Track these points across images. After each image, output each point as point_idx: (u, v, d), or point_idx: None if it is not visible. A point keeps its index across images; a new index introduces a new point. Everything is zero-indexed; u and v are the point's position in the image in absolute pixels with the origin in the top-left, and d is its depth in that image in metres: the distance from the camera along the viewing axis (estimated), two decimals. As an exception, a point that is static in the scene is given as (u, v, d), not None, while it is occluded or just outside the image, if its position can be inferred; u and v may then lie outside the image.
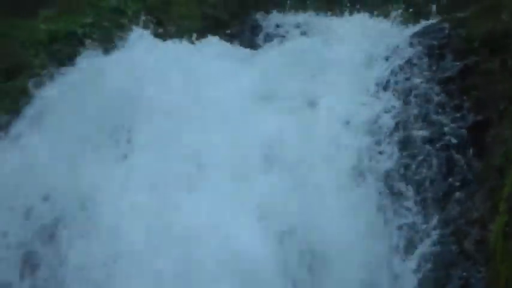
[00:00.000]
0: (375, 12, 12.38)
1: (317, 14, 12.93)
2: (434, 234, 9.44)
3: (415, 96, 10.45)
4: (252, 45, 12.21)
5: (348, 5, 12.93)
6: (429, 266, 9.39)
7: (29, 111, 11.37)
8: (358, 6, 12.87)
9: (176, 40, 12.19)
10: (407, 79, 10.66)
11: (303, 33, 12.46)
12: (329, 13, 12.90)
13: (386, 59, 11.09)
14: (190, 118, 11.03)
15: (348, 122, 10.66)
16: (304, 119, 10.84)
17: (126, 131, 11.07)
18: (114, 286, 9.95)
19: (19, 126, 11.31)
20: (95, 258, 10.08)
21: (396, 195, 9.96)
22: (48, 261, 10.11)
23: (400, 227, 9.71)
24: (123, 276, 9.96)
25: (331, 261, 9.83)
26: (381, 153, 10.31)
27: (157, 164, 10.65)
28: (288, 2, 13.01)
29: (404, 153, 10.15)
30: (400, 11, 12.27)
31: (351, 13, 12.74)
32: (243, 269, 9.80)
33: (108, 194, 10.55)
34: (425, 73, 10.59)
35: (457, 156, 9.83)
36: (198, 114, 11.04)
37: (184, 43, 12.27)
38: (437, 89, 10.39)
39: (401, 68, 10.88)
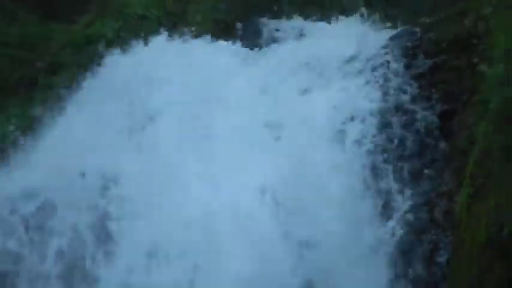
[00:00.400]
0: (360, 18, 12.42)
1: (310, 20, 12.97)
2: (408, 205, 9.44)
3: (393, 88, 10.41)
4: (255, 46, 12.21)
5: (337, 12, 12.76)
6: (403, 231, 9.36)
7: (71, 100, 11.52)
8: (345, 13, 12.74)
9: (192, 41, 12.19)
10: (385, 74, 10.63)
11: (298, 36, 12.35)
12: (320, 19, 12.98)
13: (368, 57, 11.07)
14: (205, 102, 11.08)
15: (335, 107, 10.62)
16: (298, 105, 10.87)
17: (157, 112, 11.12)
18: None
19: (64, 112, 11.43)
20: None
21: (376, 170, 9.91)
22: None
23: (379, 196, 9.68)
24: (150, 240, 9.82)
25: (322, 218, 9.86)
26: (364, 136, 10.24)
27: (176, 138, 10.73)
28: (285, 10, 13.00)
29: (384, 136, 10.12)
30: (380, 17, 12.38)
31: (338, 19, 12.70)
32: (251, 229, 9.87)
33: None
34: (401, 70, 10.58)
35: (428, 139, 9.88)
36: (210, 99, 11.13)
37: (199, 43, 12.23)
38: (411, 83, 10.42)
39: (381, 64, 10.83)
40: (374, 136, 10.21)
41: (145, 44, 12.20)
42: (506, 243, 7.78)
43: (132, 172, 10.43)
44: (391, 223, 9.46)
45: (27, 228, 10.09)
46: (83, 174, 10.34)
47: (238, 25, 12.94)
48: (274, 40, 12.37)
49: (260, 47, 12.23)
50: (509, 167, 8.36)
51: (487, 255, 8.13)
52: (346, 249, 9.79)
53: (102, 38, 12.39)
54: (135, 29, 12.39)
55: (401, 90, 10.32)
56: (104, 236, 10.09)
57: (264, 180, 10.13)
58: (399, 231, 9.40)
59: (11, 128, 11.40)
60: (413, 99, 10.31)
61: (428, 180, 9.61)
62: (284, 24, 12.76)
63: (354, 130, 10.50)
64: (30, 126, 11.33)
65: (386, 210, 9.69)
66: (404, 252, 9.30)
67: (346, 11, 12.98)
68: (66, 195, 10.30)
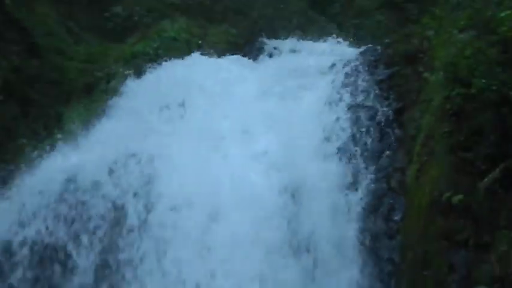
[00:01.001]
0: (337, 39, 12.65)
1: (301, 40, 12.98)
2: (372, 177, 9.65)
3: (361, 91, 10.56)
4: (257, 58, 12.48)
5: (318, 35, 13.04)
6: (368, 197, 9.58)
7: (122, 100, 11.48)
8: (326, 36, 13.02)
9: (213, 56, 12.48)
10: (355, 80, 10.79)
11: (292, 51, 12.55)
12: (308, 39, 13.02)
13: (343, 66, 11.17)
14: (221, 98, 11.26)
15: (318, 99, 10.72)
16: (290, 103, 11.02)
17: (187, 106, 11.28)
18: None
19: (114, 108, 11.43)
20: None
21: (348, 152, 10.06)
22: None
23: (350, 171, 9.86)
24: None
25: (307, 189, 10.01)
26: (342, 129, 10.31)
27: (201, 125, 10.75)
28: (281, 33, 13.08)
29: (354, 128, 10.24)
30: (351, 38, 12.67)
31: (323, 39, 12.96)
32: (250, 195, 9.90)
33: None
34: (367, 77, 10.85)
35: (387, 129, 10.13)
36: (225, 97, 11.29)
37: (218, 57, 12.55)
38: (374, 86, 10.61)
39: (352, 72, 10.98)
40: (347, 127, 10.30)
41: (182, 58, 12.22)
42: (444, 204, 8.06)
43: (171, 149, 10.26)
44: (359, 191, 9.64)
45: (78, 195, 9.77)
46: (134, 155, 10.13)
47: (246, 44, 13.13)
48: (272, 55, 12.53)
49: (261, 59, 12.40)
50: (446, 148, 8.48)
51: (430, 214, 8.41)
52: (324, 207, 9.83)
53: (145, 55, 12.36)
54: (169, 48, 12.44)
55: (367, 92, 10.51)
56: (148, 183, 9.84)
57: (266, 146, 10.31)
58: (365, 197, 9.58)
59: (76, 122, 11.15)
60: (376, 99, 10.49)
61: (387, 159, 9.79)
62: (280, 43, 12.89)
63: (332, 123, 10.53)
64: (90, 120, 11.13)
65: (355, 181, 9.84)
66: (369, 212, 9.45)
67: (327, 34, 13.04)
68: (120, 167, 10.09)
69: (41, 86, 11.58)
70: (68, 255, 9.61)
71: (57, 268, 9.57)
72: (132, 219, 9.82)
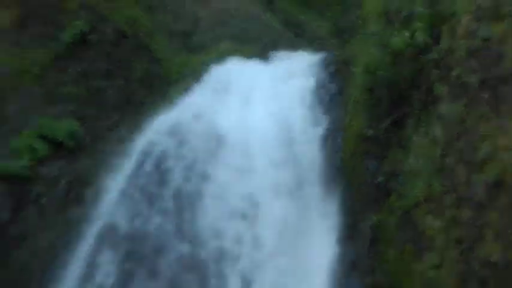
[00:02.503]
0: (308, 51, 12.28)
1: (291, 52, 12.32)
2: (326, 123, 9.57)
3: (321, 78, 10.43)
4: (267, 62, 11.99)
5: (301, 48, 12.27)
6: (325, 134, 9.50)
7: (194, 89, 10.94)
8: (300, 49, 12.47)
9: (243, 62, 11.93)
10: (318, 72, 10.59)
11: (286, 58, 11.94)
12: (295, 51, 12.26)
13: (311, 66, 10.84)
14: (250, 81, 10.96)
15: (302, 87, 10.33)
16: (284, 81, 10.74)
17: (233, 86, 10.81)
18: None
19: (194, 90, 10.95)
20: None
21: (314, 105, 9.93)
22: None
23: (313, 117, 9.73)
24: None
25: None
26: (310, 98, 10.00)
27: (240, 96, 10.47)
28: (280, 48, 12.69)
29: (317, 96, 10.09)
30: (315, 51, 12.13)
31: (304, 50, 12.29)
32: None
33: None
34: (323, 71, 10.58)
35: (335, 98, 9.99)
36: (252, 80, 10.97)
37: (246, 62, 11.78)
38: (327, 75, 10.47)
39: (316, 69, 10.76)
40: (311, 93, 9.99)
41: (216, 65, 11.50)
42: (364, 136, 8.37)
43: (221, 112, 9.96)
44: (320, 128, 9.52)
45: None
46: (200, 114, 9.79)
47: (259, 54, 12.53)
48: (275, 60, 12.12)
49: (269, 62, 12.03)
50: (364, 106, 8.66)
51: (356, 141, 8.57)
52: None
53: (210, 61, 11.83)
54: (221, 57, 11.99)
55: (324, 78, 10.41)
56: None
57: (274, 114, 10.00)
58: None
59: (175, 96, 10.59)
60: (328, 81, 10.28)
61: (335, 114, 9.61)
62: (280, 53, 12.22)
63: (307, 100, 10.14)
64: (182, 95, 10.70)
65: (317, 124, 9.68)
66: (324, 141, 9.44)
67: (300, 49, 12.76)
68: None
69: (159, 78, 11.29)
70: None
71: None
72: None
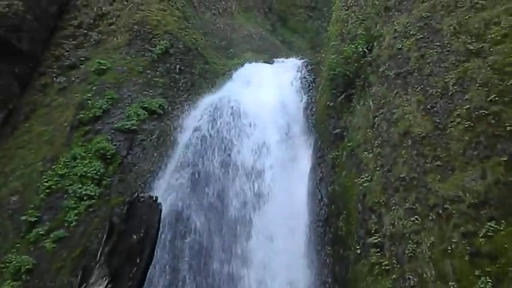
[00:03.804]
0: (295, 58, 11.58)
1: (285, 58, 11.78)
2: (306, 99, 9.07)
3: (303, 74, 10.01)
4: (272, 63, 11.46)
5: (292, 56, 11.77)
6: (307, 102, 8.99)
7: (225, 82, 10.30)
8: (290, 56, 11.79)
9: (256, 63, 11.36)
10: (300, 70, 10.24)
11: (282, 62, 11.45)
12: (287, 57, 11.71)
13: (299, 67, 10.35)
14: (260, 74, 10.43)
15: (293, 79, 9.99)
16: (283, 76, 10.35)
17: (252, 79, 10.36)
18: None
19: (230, 80, 10.45)
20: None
21: (296, 90, 9.51)
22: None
23: (305, 100, 9.15)
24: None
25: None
26: (296, 90, 9.44)
27: (256, 84, 9.95)
28: (279, 56, 12.05)
29: (300, 84, 9.53)
30: (299, 58, 11.38)
31: (293, 57, 11.63)
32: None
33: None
34: (304, 69, 9.76)
35: (311, 85, 9.40)
36: (261, 73, 10.48)
37: (258, 63, 11.30)
38: (306, 72, 9.83)
39: (299, 68, 10.32)
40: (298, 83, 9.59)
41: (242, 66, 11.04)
42: (328, 107, 7.73)
43: (244, 94, 9.54)
44: (303, 101, 9.06)
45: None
46: (231, 98, 9.24)
47: (267, 60, 11.81)
48: (276, 63, 11.46)
49: (273, 64, 11.37)
50: (322, 90, 8.23)
51: (323, 110, 8.04)
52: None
53: (238, 64, 11.37)
54: (245, 62, 11.50)
55: (305, 74, 9.98)
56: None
57: (276, 93, 9.65)
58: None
59: (218, 83, 10.17)
60: (307, 74, 9.75)
61: (313, 96, 8.95)
62: (279, 59, 11.80)
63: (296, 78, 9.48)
64: (223, 83, 10.30)
65: (309, 102, 8.91)
66: (307, 107, 8.96)
67: (290, 56, 12.03)
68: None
69: (210, 73, 10.85)
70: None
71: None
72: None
